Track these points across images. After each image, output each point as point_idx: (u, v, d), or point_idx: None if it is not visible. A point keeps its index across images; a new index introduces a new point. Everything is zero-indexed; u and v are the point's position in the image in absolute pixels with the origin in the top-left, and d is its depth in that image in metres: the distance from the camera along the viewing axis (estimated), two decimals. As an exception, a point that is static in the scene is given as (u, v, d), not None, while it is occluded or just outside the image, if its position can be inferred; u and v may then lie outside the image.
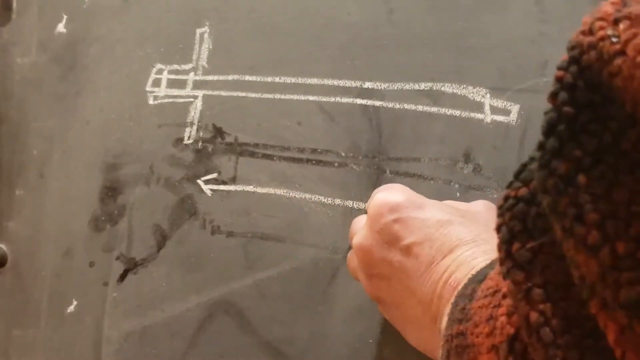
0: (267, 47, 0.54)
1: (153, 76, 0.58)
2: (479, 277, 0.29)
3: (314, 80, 0.52)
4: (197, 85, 0.56)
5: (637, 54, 0.18)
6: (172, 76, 0.57)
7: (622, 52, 0.18)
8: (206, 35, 0.56)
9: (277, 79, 0.54)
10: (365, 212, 0.41)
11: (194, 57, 0.57)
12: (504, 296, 0.25)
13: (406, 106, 0.49)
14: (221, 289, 0.53)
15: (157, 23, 0.58)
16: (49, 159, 0.61)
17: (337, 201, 0.50)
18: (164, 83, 0.57)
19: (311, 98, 0.52)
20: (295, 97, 0.53)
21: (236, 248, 0.53)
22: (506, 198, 0.23)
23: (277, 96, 0.53)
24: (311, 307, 0.50)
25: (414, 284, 0.35)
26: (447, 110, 0.48)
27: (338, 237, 0.50)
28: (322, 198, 0.51)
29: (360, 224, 0.41)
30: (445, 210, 0.38)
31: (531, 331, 0.21)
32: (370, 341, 0.48)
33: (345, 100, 0.51)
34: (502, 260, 0.23)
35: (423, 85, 0.49)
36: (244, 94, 0.54)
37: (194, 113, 0.56)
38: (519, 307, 0.22)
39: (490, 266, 0.30)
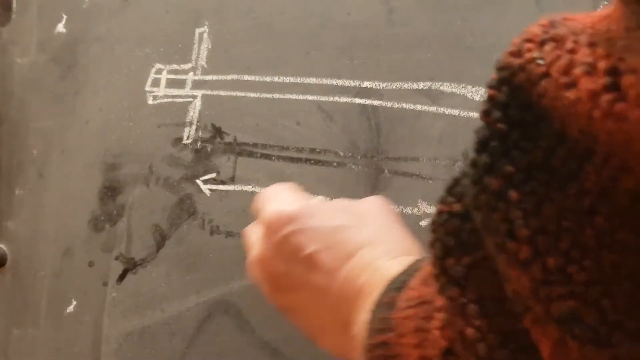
0: (266, 47, 0.54)
1: (152, 76, 0.58)
2: (396, 285, 0.30)
3: (313, 80, 0.52)
4: (196, 85, 0.56)
5: (561, 75, 0.18)
6: (172, 76, 0.57)
7: (547, 74, 0.19)
8: (205, 35, 0.56)
9: (275, 79, 0.53)
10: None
11: (193, 57, 0.57)
12: (439, 310, 0.25)
13: (405, 106, 0.49)
14: (220, 289, 0.53)
15: (156, 23, 0.58)
16: (49, 159, 0.61)
17: (336, 201, 0.50)
18: (163, 83, 0.57)
19: (310, 98, 0.52)
20: (294, 96, 0.53)
21: (235, 248, 0.53)
22: (440, 213, 0.23)
23: (276, 96, 0.53)
24: (310, 307, 0.50)
25: (319, 292, 0.35)
26: (446, 109, 0.48)
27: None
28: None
29: (255, 235, 0.41)
30: (338, 214, 0.38)
31: (467, 346, 0.22)
32: (369, 341, 0.48)
33: (343, 99, 0.51)
34: (436, 276, 0.23)
35: (422, 85, 0.49)
36: (242, 94, 0.54)
37: (193, 113, 0.56)
38: (455, 322, 0.22)
39: (406, 273, 0.30)
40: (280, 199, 0.39)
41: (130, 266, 0.56)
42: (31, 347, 0.60)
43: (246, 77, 0.54)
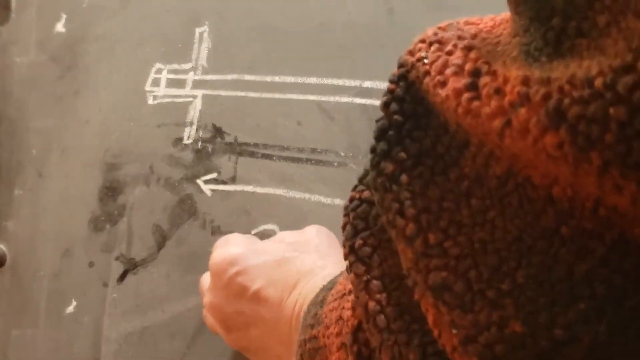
0: (267, 47, 0.54)
1: (152, 76, 0.58)
2: (329, 286, 0.32)
3: (314, 80, 0.52)
4: (197, 84, 0.56)
5: (437, 74, 0.21)
6: (172, 76, 0.57)
7: (428, 73, 0.21)
8: (206, 35, 0.56)
9: (276, 79, 0.53)
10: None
11: (194, 56, 0.56)
12: (350, 292, 0.27)
13: (406, 106, 0.49)
14: (221, 289, 0.53)
15: (156, 22, 0.58)
16: (48, 159, 0.61)
17: (337, 201, 0.50)
18: (163, 83, 0.57)
19: (310, 97, 0.52)
20: (294, 96, 0.53)
21: (236, 248, 0.53)
22: (351, 200, 0.26)
23: (277, 96, 0.53)
24: (311, 307, 0.50)
25: (270, 326, 0.37)
26: (447, 109, 0.48)
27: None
28: (321, 198, 0.51)
29: (207, 282, 0.43)
30: (279, 248, 0.40)
31: (369, 318, 0.24)
32: (370, 341, 0.48)
33: (344, 99, 0.51)
34: (346, 256, 0.25)
35: (423, 85, 0.49)
36: (243, 94, 0.54)
37: (194, 113, 0.56)
38: (360, 297, 0.24)
39: (340, 275, 0.32)
40: (226, 244, 0.42)
41: (130, 266, 0.56)
42: (30, 347, 0.60)
43: (247, 77, 0.54)
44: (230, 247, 0.41)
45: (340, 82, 0.51)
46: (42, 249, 0.61)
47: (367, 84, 0.51)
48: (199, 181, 0.55)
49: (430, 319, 0.21)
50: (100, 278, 0.57)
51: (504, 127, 0.18)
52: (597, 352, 0.18)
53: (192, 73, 0.56)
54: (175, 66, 0.57)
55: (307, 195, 0.51)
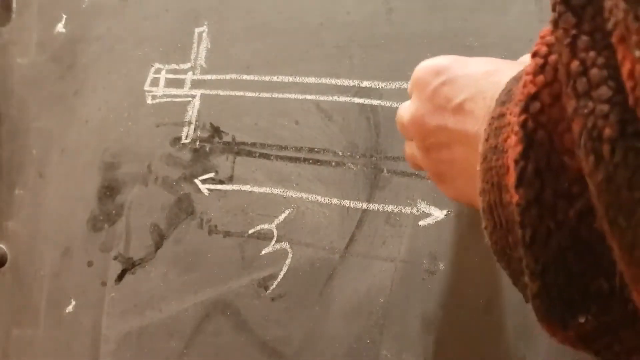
0: (265, 46, 0.54)
1: (151, 75, 0.58)
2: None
3: (312, 79, 0.52)
4: (195, 84, 0.56)
5: None
6: (170, 75, 0.57)
7: None
8: (204, 35, 0.56)
9: (274, 78, 0.53)
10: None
11: (192, 56, 0.57)
12: (533, 55, 0.24)
13: (404, 105, 0.49)
14: (218, 288, 0.53)
15: (155, 22, 0.58)
16: (48, 159, 0.62)
17: (334, 200, 0.50)
18: (162, 82, 0.57)
19: (309, 97, 0.52)
20: (292, 96, 0.53)
21: (233, 248, 0.53)
22: None
23: (275, 95, 0.53)
24: (308, 307, 0.50)
25: (475, 140, 0.32)
26: (445, 109, 0.48)
27: (335, 237, 0.50)
28: (319, 197, 0.51)
29: (406, 106, 0.39)
30: (492, 61, 0.35)
31: (569, 80, 0.21)
32: (368, 341, 0.48)
33: (342, 99, 0.51)
34: (554, 5, 0.22)
35: (421, 84, 0.49)
36: (241, 93, 0.54)
37: (192, 112, 0.56)
38: (563, 54, 0.21)
39: None
40: (429, 59, 0.37)
41: (128, 266, 0.56)
42: (30, 346, 0.60)
43: (245, 77, 0.54)
44: (436, 58, 0.36)
45: (338, 81, 0.51)
46: (42, 248, 0.61)
47: (366, 83, 0.51)
48: (197, 181, 0.55)
49: (625, 67, 0.18)
50: (99, 277, 0.57)
51: None
52: None
53: (190, 73, 0.56)
54: (174, 66, 0.57)
55: (304, 195, 0.51)
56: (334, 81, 0.52)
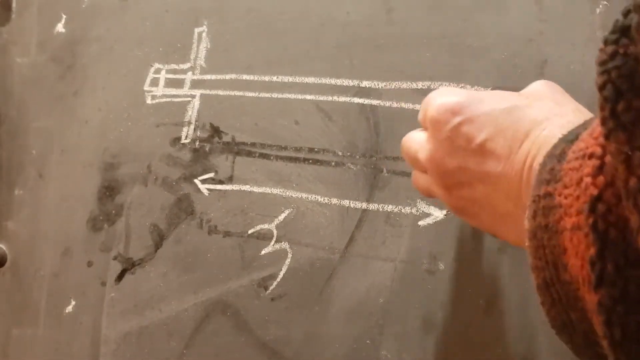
0: (265, 46, 0.54)
1: (151, 75, 0.58)
2: (570, 137, 0.27)
3: (312, 80, 0.52)
4: (195, 84, 0.56)
5: None
6: (170, 75, 0.57)
7: None
8: (204, 35, 0.56)
9: (274, 78, 0.53)
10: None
11: (192, 56, 0.56)
12: (590, 156, 0.24)
13: (404, 105, 0.49)
14: (218, 289, 0.53)
15: (155, 22, 0.58)
16: (48, 159, 0.61)
17: (334, 200, 0.50)
18: (161, 82, 0.57)
19: (308, 97, 0.52)
20: (292, 96, 0.53)
21: (233, 248, 0.53)
22: (613, 55, 0.21)
23: (275, 95, 0.53)
24: (307, 307, 0.50)
25: (497, 181, 0.33)
26: (445, 109, 0.48)
27: (335, 237, 0.50)
28: (318, 197, 0.51)
29: (417, 139, 0.38)
30: (507, 97, 0.35)
31: (629, 196, 0.20)
32: (368, 342, 0.48)
33: (342, 99, 0.51)
34: (604, 120, 0.21)
35: (421, 84, 0.49)
36: (241, 93, 0.54)
37: (192, 112, 0.56)
38: (619, 170, 0.21)
39: (583, 126, 0.28)
40: (443, 94, 0.36)
41: (128, 266, 0.56)
42: (30, 346, 0.60)
43: (245, 77, 0.54)
44: (452, 95, 0.35)
45: (338, 81, 0.51)
46: (42, 248, 0.61)
47: (366, 83, 0.51)
48: (197, 181, 0.55)
49: None
50: (98, 277, 0.57)
51: None
52: None
53: (190, 73, 0.56)
54: (174, 66, 0.57)
55: (304, 195, 0.51)
56: (334, 81, 0.52)
